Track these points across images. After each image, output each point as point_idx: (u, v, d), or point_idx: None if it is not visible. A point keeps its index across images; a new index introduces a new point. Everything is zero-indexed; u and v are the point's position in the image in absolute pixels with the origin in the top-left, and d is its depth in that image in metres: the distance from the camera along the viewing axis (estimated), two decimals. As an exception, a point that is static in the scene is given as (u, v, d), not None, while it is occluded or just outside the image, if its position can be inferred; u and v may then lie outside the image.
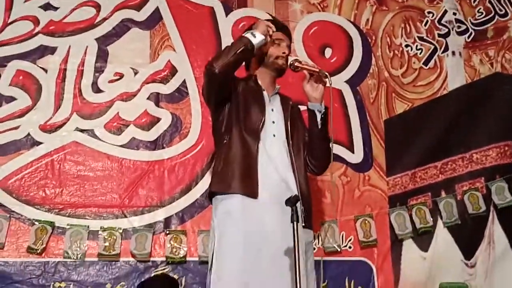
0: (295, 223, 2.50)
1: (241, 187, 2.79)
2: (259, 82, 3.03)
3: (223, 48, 4.01)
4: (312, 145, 3.00)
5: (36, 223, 3.67)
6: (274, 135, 2.93)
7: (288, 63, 3.06)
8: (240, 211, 2.77)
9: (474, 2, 4.74)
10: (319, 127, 2.95)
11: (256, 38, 2.84)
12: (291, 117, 3.02)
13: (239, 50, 2.82)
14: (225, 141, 2.91)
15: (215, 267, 2.73)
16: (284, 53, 3.04)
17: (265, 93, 3.00)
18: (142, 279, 3.70)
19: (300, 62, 3.00)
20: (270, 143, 2.90)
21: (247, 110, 2.93)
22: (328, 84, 2.95)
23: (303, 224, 2.80)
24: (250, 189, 2.78)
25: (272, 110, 2.99)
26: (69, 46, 4.02)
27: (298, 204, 2.64)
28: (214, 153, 3.12)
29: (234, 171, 2.82)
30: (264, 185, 2.80)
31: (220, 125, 2.96)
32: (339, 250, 3.99)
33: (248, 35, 2.86)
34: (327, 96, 2.95)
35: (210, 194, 2.92)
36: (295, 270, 2.43)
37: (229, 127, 2.93)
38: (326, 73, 2.95)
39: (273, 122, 2.96)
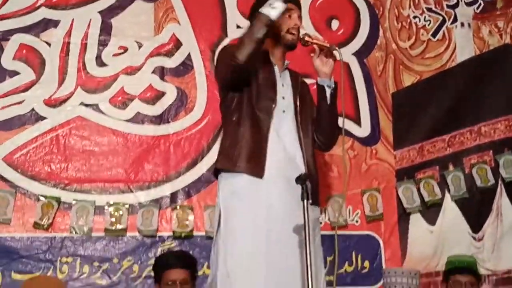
0: (305, 201, 2.47)
1: (247, 167, 2.73)
2: (270, 57, 2.94)
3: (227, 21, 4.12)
4: (320, 121, 2.95)
5: (42, 198, 3.66)
6: (283, 111, 2.87)
7: (301, 39, 2.98)
8: (246, 190, 2.72)
9: (483, -28, 4.65)
10: (328, 102, 2.90)
11: (276, 8, 2.67)
12: (301, 93, 2.96)
13: (260, 34, 2.68)
14: (234, 118, 2.83)
15: (224, 246, 2.71)
16: (296, 25, 2.92)
17: (276, 68, 2.93)
18: (149, 254, 3.71)
19: (310, 37, 2.92)
20: (280, 120, 2.84)
21: (259, 88, 2.85)
22: (338, 59, 2.89)
23: (310, 202, 2.76)
24: (257, 169, 2.73)
25: (282, 85, 2.92)
26: (72, 19, 3.97)
27: (307, 182, 2.60)
28: (221, 129, 3.05)
29: (241, 150, 2.76)
30: (272, 163, 2.75)
31: (230, 102, 2.87)
32: (345, 224, 3.98)
33: (265, 10, 2.68)
34: (337, 71, 2.90)
35: (215, 171, 2.88)
36: (305, 248, 2.40)
37: (240, 104, 2.84)
38: (337, 48, 2.89)
39: (283, 98, 2.89)
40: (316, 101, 2.99)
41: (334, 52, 2.89)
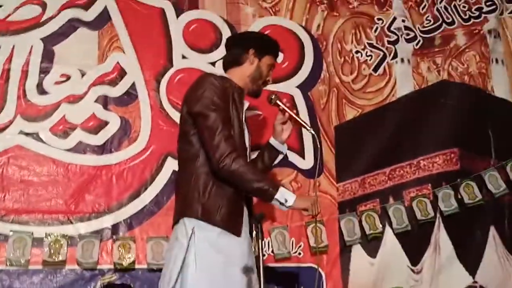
0: (260, 240, 2.49)
1: (228, 225, 2.76)
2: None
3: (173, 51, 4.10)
4: None
5: (-23, 229, 3.53)
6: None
7: (268, 95, 3.04)
8: (225, 247, 2.75)
9: (422, 9, 4.79)
10: (272, 164, 2.94)
11: (285, 205, 2.73)
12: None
13: (255, 195, 2.83)
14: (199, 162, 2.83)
15: None
16: (269, 80, 3.04)
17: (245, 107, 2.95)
18: None
19: (281, 101, 2.99)
20: None
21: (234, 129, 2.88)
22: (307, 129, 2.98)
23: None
24: (236, 228, 2.77)
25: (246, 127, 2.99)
26: (13, 46, 3.88)
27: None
28: (183, 168, 2.95)
29: (222, 205, 2.77)
30: (243, 220, 2.81)
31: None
32: (289, 257, 3.98)
33: (280, 197, 2.72)
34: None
35: (180, 216, 2.83)
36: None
37: None
38: (308, 127, 2.97)
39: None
40: (260, 154, 3.05)
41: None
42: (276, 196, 2.71)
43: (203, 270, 2.69)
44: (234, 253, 2.74)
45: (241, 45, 3.08)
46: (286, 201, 2.71)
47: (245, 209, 2.84)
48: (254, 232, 2.57)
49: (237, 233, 2.75)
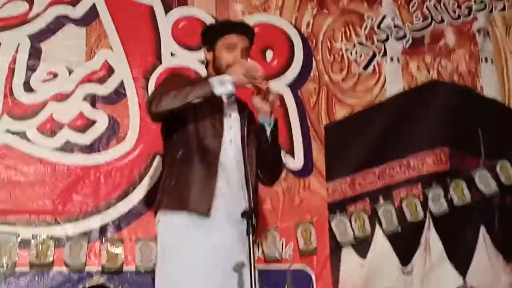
0: (250, 235, 2.45)
1: (194, 207, 2.71)
2: None
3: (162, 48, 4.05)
4: (262, 158, 2.93)
5: (-38, 230, 3.47)
6: (230, 141, 2.85)
7: None
8: (189, 229, 2.70)
9: (412, 7, 4.77)
10: (269, 141, 2.88)
11: (224, 88, 2.68)
12: (248, 125, 2.92)
13: (194, 100, 2.68)
14: (179, 153, 2.79)
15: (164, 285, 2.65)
16: (235, 60, 2.89)
17: (224, 97, 2.86)
18: (78, 290, 3.58)
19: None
20: (226, 150, 2.83)
21: (205, 120, 2.82)
22: (270, 99, 2.86)
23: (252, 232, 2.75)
24: (203, 208, 2.71)
25: (230, 115, 2.91)
26: (0, 43, 3.80)
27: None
28: (164, 162, 2.99)
29: (190, 189, 2.73)
30: (217, 201, 2.73)
31: (173, 132, 2.83)
32: (279, 258, 3.95)
33: (214, 81, 2.69)
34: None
35: (156, 209, 2.80)
36: (251, 283, 2.38)
37: (185, 137, 2.82)
38: (271, 91, 2.86)
39: (231, 127, 2.88)
40: (257, 137, 2.96)
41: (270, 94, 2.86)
42: (212, 82, 2.67)
43: (166, 262, 2.71)
44: (200, 236, 2.68)
45: (202, 38, 3.05)
46: (223, 82, 2.67)
47: (220, 186, 2.77)
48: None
49: (205, 213, 2.70)
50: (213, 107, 2.85)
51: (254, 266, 2.49)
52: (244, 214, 2.58)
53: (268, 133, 2.87)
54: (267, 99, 2.86)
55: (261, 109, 2.88)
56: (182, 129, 2.83)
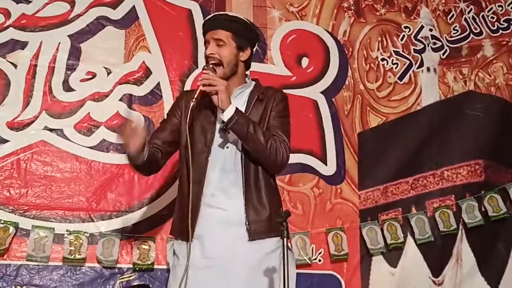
0: (285, 239, 2.46)
1: (178, 233, 2.90)
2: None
3: (199, 52, 4.10)
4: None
5: (-1, 223, 3.53)
6: (227, 147, 2.87)
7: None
8: (179, 255, 2.86)
9: (450, 19, 4.75)
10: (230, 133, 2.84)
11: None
12: (250, 113, 2.91)
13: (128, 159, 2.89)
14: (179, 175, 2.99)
15: None
16: (212, 53, 2.91)
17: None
18: (107, 286, 3.62)
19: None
20: (222, 160, 2.87)
21: (194, 137, 2.88)
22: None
23: (249, 238, 2.78)
24: (184, 233, 2.81)
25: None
26: (41, 42, 3.88)
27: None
28: None
29: (176, 215, 2.92)
30: (202, 225, 2.81)
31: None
32: (309, 262, 3.95)
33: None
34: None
35: None
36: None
37: (180, 158, 2.98)
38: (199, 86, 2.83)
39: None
40: None
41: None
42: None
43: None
44: (183, 262, 2.78)
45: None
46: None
47: (206, 212, 2.83)
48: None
49: (186, 238, 2.79)
50: (205, 118, 2.93)
51: (287, 270, 2.49)
52: (278, 217, 2.59)
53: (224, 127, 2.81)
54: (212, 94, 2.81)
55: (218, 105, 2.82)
56: (180, 151, 2.99)
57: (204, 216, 2.81)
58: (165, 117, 3.16)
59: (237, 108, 2.80)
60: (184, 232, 2.79)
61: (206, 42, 2.97)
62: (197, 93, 2.81)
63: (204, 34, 3.00)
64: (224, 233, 2.78)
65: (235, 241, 2.77)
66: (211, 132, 2.89)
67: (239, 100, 2.94)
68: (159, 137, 2.99)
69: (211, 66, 2.87)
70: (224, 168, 2.85)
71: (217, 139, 2.89)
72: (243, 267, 2.74)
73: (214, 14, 3.18)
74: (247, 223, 2.78)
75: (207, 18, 3.11)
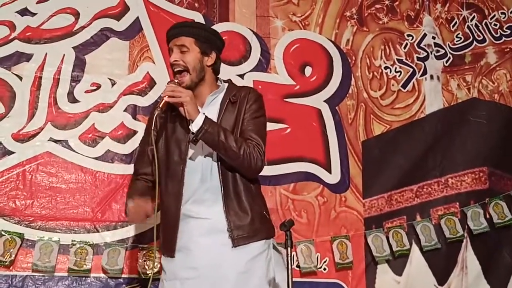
0: (289, 248, 2.48)
1: (163, 249, 2.97)
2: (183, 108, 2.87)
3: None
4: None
5: (5, 234, 3.55)
6: (203, 157, 2.90)
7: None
8: (166, 270, 2.95)
9: (453, 27, 4.76)
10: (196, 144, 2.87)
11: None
12: (223, 118, 2.93)
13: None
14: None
15: None
16: (175, 60, 2.94)
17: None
18: (114, 296, 3.63)
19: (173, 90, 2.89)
20: (200, 170, 2.88)
21: (169, 150, 2.93)
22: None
23: (233, 245, 2.80)
24: (169, 250, 2.89)
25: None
26: (46, 54, 3.91)
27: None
28: None
29: (162, 231, 2.99)
30: (183, 241, 2.87)
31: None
32: (315, 270, 3.95)
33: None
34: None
35: None
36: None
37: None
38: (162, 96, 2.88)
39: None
40: None
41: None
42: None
43: None
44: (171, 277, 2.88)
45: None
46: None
47: (185, 228, 2.88)
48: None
49: (171, 255, 2.87)
50: (178, 135, 2.97)
51: (291, 279, 2.51)
52: (282, 226, 2.61)
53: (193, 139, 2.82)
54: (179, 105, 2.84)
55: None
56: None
57: (185, 228, 2.85)
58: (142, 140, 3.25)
59: (206, 118, 2.80)
60: (167, 248, 2.89)
61: (170, 50, 3.00)
62: (162, 103, 2.83)
63: (168, 43, 3.03)
64: (208, 242, 2.81)
65: (219, 248, 2.80)
66: (185, 144, 2.90)
67: (213, 107, 2.96)
68: (144, 169, 3.06)
69: (176, 81, 2.93)
70: (201, 178, 2.87)
71: (192, 149, 2.91)
72: (231, 274, 2.77)
73: (176, 23, 3.21)
74: (229, 229, 2.81)
75: (169, 27, 3.11)
